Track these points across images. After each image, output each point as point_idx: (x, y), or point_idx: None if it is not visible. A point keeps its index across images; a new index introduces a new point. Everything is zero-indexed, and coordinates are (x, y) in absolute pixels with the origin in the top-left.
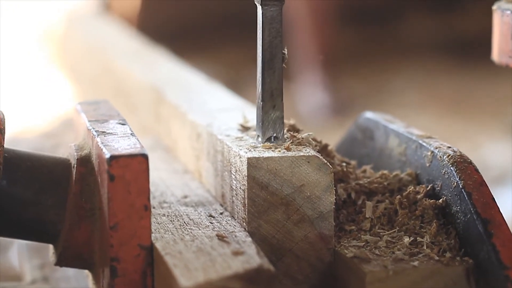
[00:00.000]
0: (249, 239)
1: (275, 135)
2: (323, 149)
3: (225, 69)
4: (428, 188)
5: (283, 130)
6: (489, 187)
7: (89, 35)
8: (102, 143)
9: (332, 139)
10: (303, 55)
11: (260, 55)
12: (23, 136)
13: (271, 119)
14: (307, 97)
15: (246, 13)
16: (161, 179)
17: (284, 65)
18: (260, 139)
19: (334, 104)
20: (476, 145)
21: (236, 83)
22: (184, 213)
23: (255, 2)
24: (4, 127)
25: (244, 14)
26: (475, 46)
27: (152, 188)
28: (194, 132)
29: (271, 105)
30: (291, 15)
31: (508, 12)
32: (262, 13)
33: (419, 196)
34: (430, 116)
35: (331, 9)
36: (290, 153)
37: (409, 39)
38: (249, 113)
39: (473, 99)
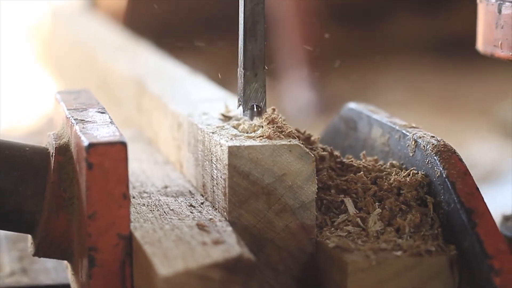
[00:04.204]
0: (230, 228)
1: (257, 104)
2: (306, 140)
3: (211, 66)
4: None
5: (265, 99)
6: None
7: (74, 31)
8: (80, 131)
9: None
10: (288, 53)
11: (242, 22)
12: (8, 134)
13: (253, 88)
14: (293, 96)
15: (235, 11)
16: (142, 170)
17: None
18: (241, 108)
19: (320, 102)
20: (462, 143)
21: (221, 81)
22: (164, 203)
23: None
24: None
25: (232, 12)
26: (461, 45)
27: (132, 178)
28: (175, 122)
29: (253, 73)
30: (277, 12)
31: (493, 1)
32: None
33: (402, 186)
34: (417, 114)
35: (318, 6)
36: (271, 142)
37: (396, 38)
38: (231, 103)
39: (459, 98)
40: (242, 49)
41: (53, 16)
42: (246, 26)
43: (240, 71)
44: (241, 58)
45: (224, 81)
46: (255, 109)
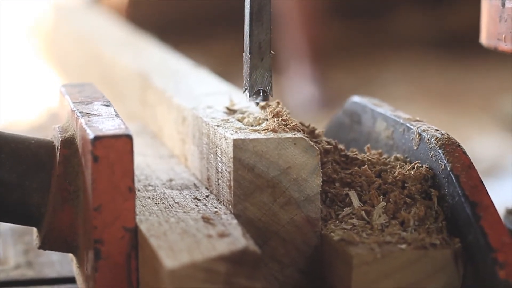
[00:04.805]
0: (235, 221)
1: (263, 88)
2: (310, 133)
3: (214, 61)
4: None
5: (271, 83)
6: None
7: (77, 26)
8: (86, 124)
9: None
10: (292, 48)
11: (248, 6)
12: (11, 129)
13: (259, 73)
14: (297, 90)
15: (238, 5)
16: (147, 163)
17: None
18: (247, 93)
19: (323, 97)
20: (465, 138)
21: (224, 75)
22: (169, 196)
23: None
24: None
25: (234, 7)
26: (464, 40)
27: (137, 172)
28: (179, 115)
29: (259, 58)
30: (280, 8)
31: None
32: None
33: (406, 179)
34: (420, 109)
35: (320, 2)
36: (276, 135)
37: (399, 33)
38: (236, 97)
39: (462, 92)
40: (248, 34)
41: (56, 10)
42: (253, 10)
43: (246, 55)
44: (247, 42)
45: (229, 75)
46: (261, 94)
